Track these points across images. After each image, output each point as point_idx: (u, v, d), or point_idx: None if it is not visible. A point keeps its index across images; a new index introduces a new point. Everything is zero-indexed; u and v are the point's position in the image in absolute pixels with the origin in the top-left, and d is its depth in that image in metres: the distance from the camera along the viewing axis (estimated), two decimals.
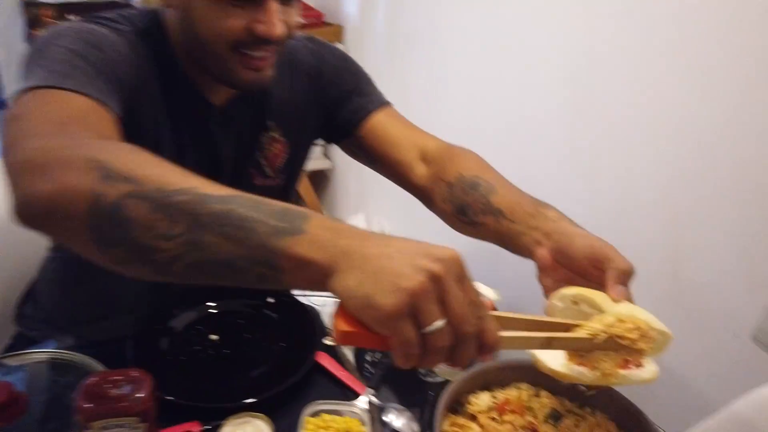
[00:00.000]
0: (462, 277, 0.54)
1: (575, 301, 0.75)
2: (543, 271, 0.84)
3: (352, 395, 0.98)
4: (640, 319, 0.69)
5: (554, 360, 0.72)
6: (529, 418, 0.85)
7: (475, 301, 0.55)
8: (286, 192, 1.17)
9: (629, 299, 0.75)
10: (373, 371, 1.04)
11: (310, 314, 1.10)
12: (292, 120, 1.10)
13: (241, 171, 1.07)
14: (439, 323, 0.52)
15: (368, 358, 1.10)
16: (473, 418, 0.84)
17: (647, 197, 1.30)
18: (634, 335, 0.67)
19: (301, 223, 0.55)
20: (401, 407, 0.98)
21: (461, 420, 0.84)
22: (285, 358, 1.02)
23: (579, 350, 0.69)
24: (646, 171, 1.30)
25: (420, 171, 1.07)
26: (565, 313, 0.75)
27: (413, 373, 1.07)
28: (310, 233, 0.54)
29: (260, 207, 0.56)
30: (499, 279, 1.82)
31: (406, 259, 0.52)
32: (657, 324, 0.71)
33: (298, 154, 1.15)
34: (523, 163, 1.65)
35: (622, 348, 0.68)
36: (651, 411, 0.97)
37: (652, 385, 1.16)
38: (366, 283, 0.51)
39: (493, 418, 0.84)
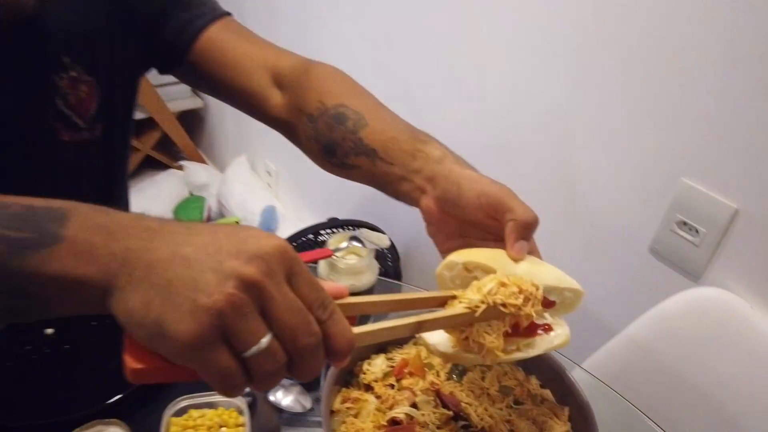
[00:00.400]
0: (292, 273, 0.42)
1: (469, 267, 0.62)
2: (431, 223, 0.72)
3: None
4: (525, 279, 0.59)
5: (441, 340, 0.60)
6: (431, 378, 0.75)
7: (314, 299, 0.43)
8: (110, 146, 0.91)
9: (535, 252, 0.65)
10: None
11: None
12: (95, 53, 0.84)
13: (38, 127, 0.82)
14: (263, 342, 0.40)
15: None
16: (369, 388, 0.73)
17: (534, 120, 1.21)
18: (518, 301, 0.57)
19: (55, 226, 0.41)
20: (289, 381, 0.85)
21: (355, 393, 0.72)
22: None
23: (458, 326, 0.58)
24: (532, 92, 1.20)
25: (276, 100, 0.86)
26: (457, 283, 0.63)
27: None
28: (70, 239, 0.41)
29: None
30: (394, 219, 1.73)
31: (208, 263, 0.39)
32: (566, 282, 0.62)
33: (117, 95, 0.89)
34: (407, 86, 1.51)
35: (507, 316, 0.57)
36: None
37: None
38: (154, 303, 0.39)
39: (391, 385, 0.73)
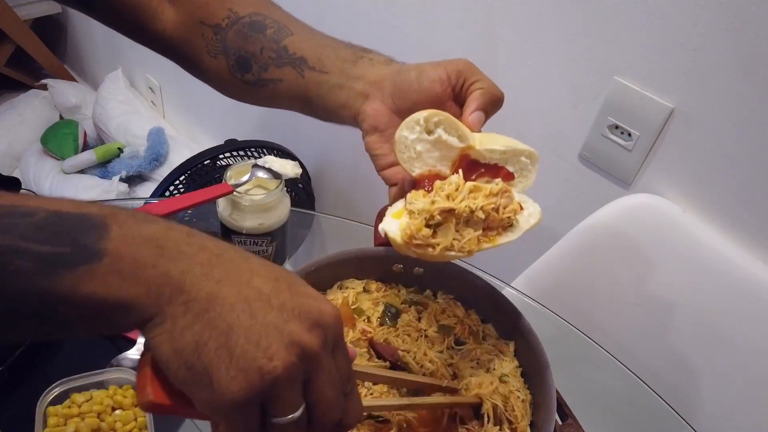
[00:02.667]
0: (336, 345, 0.40)
1: (429, 128, 0.55)
2: (373, 132, 0.61)
3: (123, 344, 0.70)
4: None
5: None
6: (362, 326, 0.66)
7: (346, 373, 0.42)
8: None
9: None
10: None
11: None
12: None
13: None
14: (297, 414, 0.38)
15: None
16: None
17: (453, 18, 1.08)
18: (492, 201, 0.53)
19: (93, 238, 0.35)
20: None
21: None
22: None
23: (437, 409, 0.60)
24: None
25: (166, 15, 0.70)
26: (417, 150, 0.55)
27: None
28: (113, 255, 0.35)
29: (13, 217, 0.35)
30: (300, 137, 1.57)
31: (272, 318, 0.37)
32: (521, 144, 0.58)
33: None
34: None
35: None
36: (489, 264, 0.84)
37: None
38: (209, 347, 0.35)
39: None
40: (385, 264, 0.70)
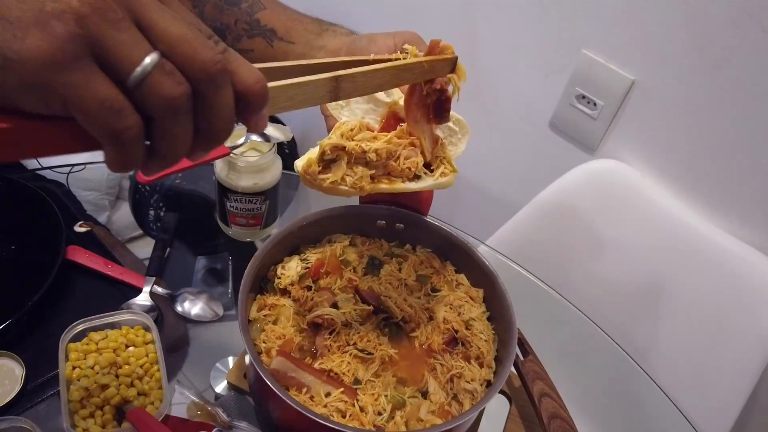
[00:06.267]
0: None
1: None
2: None
3: (131, 292, 0.77)
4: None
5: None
6: (348, 275, 0.73)
7: (203, 28, 0.34)
8: None
9: None
10: (157, 230, 0.83)
11: (44, 198, 0.81)
12: None
13: None
14: (149, 59, 0.31)
15: (151, 212, 0.89)
16: (285, 292, 0.70)
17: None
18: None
19: None
20: (195, 289, 0.80)
21: (271, 299, 0.69)
22: (21, 267, 0.76)
23: (383, 87, 0.53)
24: None
25: None
26: (351, 102, 0.61)
27: (205, 239, 0.89)
28: None
29: None
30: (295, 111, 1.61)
31: None
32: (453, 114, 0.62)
33: None
34: None
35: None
36: (466, 224, 0.92)
37: (459, 194, 1.12)
38: None
39: (308, 287, 0.70)
40: (369, 220, 0.77)
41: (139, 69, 0.31)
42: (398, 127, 0.62)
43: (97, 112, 0.30)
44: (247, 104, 0.36)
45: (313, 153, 0.61)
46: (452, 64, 0.56)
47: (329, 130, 0.68)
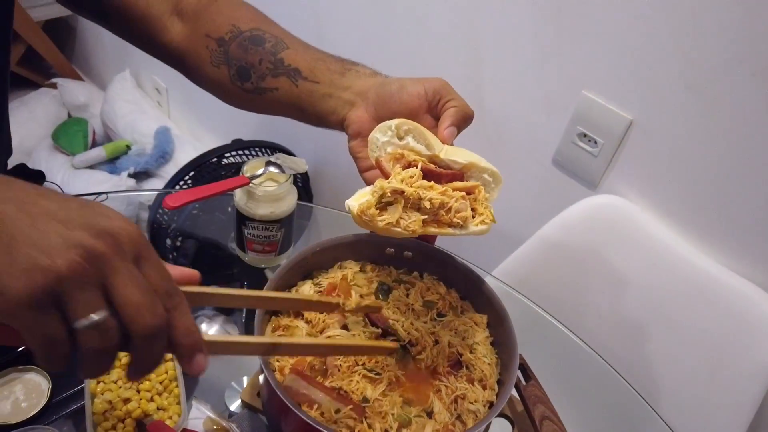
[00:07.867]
0: (141, 257, 0.41)
1: (400, 134, 0.64)
2: (357, 136, 0.71)
3: None
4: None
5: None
6: (358, 300, 0.77)
7: (162, 286, 0.42)
8: None
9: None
10: (174, 259, 0.87)
11: None
12: None
13: None
14: (96, 316, 0.39)
15: (168, 241, 0.93)
16: (298, 314, 0.74)
17: (442, 32, 1.19)
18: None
19: None
20: (213, 312, 0.84)
21: (285, 320, 0.73)
22: None
23: (315, 354, 0.64)
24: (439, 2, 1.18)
25: (175, 29, 0.79)
26: (387, 151, 0.64)
27: (220, 267, 0.93)
28: None
29: None
30: (299, 138, 1.68)
31: (55, 227, 0.38)
32: (485, 162, 0.65)
33: None
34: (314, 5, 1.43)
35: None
36: (472, 255, 0.96)
37: None
38: None
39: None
40: (378, 248, 0.81)
41: (85, 321, 0.38)
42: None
43: (41, 342, 0.38)
44: (180, 353, 0.44)
45: (364, 194, 0.63)
46: (391, 351, 0.64)
47: (361, 171, 0.71)
